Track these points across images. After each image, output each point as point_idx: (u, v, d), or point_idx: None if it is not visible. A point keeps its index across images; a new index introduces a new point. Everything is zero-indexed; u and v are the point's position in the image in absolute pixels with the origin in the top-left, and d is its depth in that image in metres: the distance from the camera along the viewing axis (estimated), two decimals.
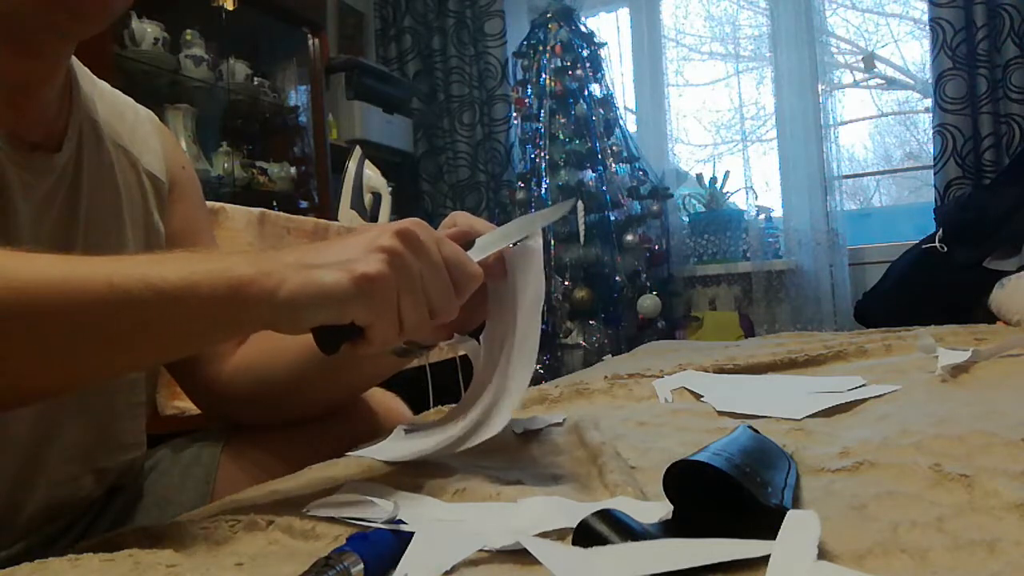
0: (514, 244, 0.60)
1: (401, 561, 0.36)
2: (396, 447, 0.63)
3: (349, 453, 0.64)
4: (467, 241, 0.58)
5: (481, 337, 0.67)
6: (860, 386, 0.78)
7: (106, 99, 0.70)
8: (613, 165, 2.95)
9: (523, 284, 0.60)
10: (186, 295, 0.45)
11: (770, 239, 3.14)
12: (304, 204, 2.79)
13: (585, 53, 3.01)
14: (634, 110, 3.39)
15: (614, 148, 2.98)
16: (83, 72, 0.67)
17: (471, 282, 0.54)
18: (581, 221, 2.83)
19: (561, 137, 2.94)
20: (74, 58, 0.65)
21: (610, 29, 3.50)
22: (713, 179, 3.21)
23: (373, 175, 2.19)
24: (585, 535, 0.35)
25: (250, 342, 0.75)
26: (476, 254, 0.57)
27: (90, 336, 0.45)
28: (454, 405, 0.72)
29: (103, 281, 0.43)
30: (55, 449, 0.61)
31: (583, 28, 3.09)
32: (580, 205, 2.83)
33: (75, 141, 0.62)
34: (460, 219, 0.65)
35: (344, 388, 0.76)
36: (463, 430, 0.59)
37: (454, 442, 0.58)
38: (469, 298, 0.62)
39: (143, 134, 0.72)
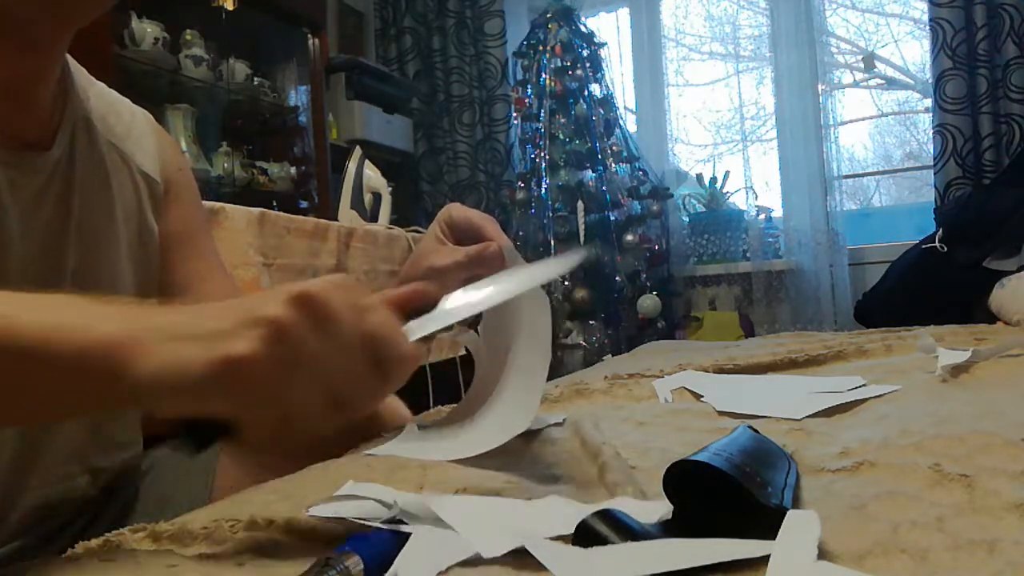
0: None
1: (395, 561, 0.36)
2: (412, 447, 0.63)
3: (369, 452, 0.64)
4: (426, 302, 0.47)
5: (479, 328, 0.65)
6: (860, 386, 0.77)
7: (102, 98, 0.69)
8: (613, 165, 2.96)
9: (526, 270, 0.54)
10: (37, 351, 0.37)
11: (770, 239, 3.14)
12: (304, 204, 2.79)
13: (585, 53, 3.02)
14: (634, 110, 3.39)
15: (614, 148, 2.98)
16: (79, 71, 0.67)
17: (400, 366, 0.41)
18: (581, 221, 2.83)
19: (561, 137, 2.94)
20: (70, 57, 0.64)
21: (610, 29, 3.51)
22: (713, 179, 3.21)
23: (373, 175, 2.19)
24: (585, 535, 0.35)
25: None
26: (430, 324, 0.46)
27: None
28: (455, 405, 0.72)
29: None
30: (48, 448, 0.61)
31: (583, 28, 3.09)
32: (580, 205, 2.83)
33: (68, 139, 0.62)
34: (455, 211, 0.64)
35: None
36: (481, 431, 0.57)
37: (474, 444, 0.55)
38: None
39: (138, 134, 0.72)
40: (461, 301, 0.48)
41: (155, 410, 0.38)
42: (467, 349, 0.68)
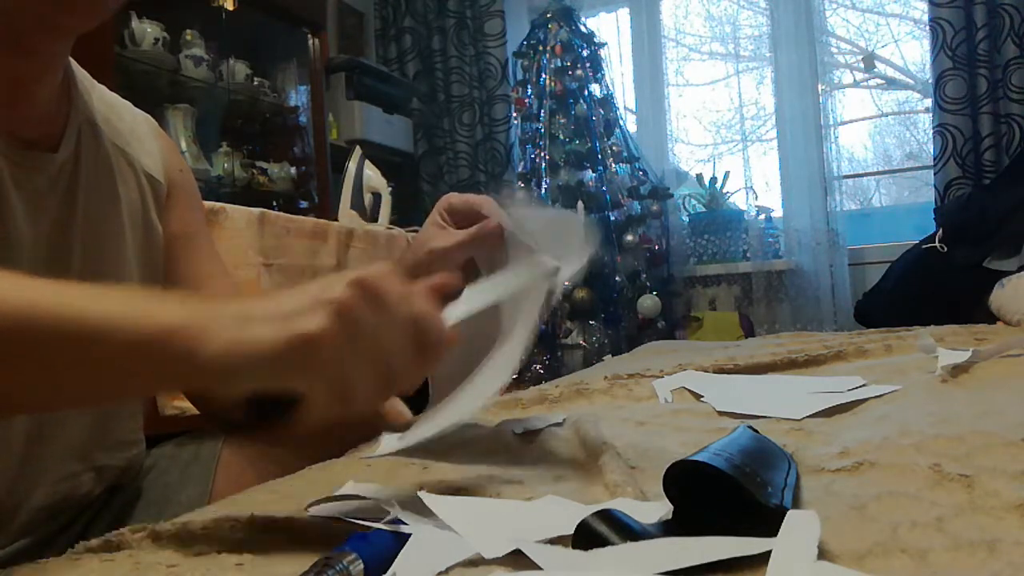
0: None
1: (395, 561, 0.36)
2: (396, 442, 0.63)
3: (365, 457, 0.64)
4: (453, 291, 0.50)
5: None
6: (860, 386, 0.78)
7: (105, 101, 0.70)
8: (613, 165, 2.95)
9: (548, 249, 0.56)
10: (103, 336, 0.38)
11: (770, 239, 3.13)
12: (304, 204, 2.79)
13: (585, 53, 3.02)
14: (634, 110, 3.39)
15: (614, 148, 2.98)
16: (82, 74, 0.67)
17: (439, 346, 0.44)
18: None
19: (561, 137, 2.94)
20: (73, 60, 0.65)
21: (610, 29, 3.51)
22: (713, 179, 3.21)
23: (373, 175, 2.19)
24: (585, 535, 0.35)
25: None
26: (459, 310, 0.49)
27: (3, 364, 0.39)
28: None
29: (25, 306, 0.38)
30: (54, 447, 0.61)
31: (583, 28, 3.09)
32: (580, 205, 2.83)
33: (73, 141, 0.62)
34: (453, 198, 0.66)
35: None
36: (460, 402, 0.57)
37: (450, 415, 0.55)
38: (463, 278, 0.58)
39: (141, 136, 0.72)
40: (486, 289, 0.52)
41: (224, 388, 0.41)
42: None
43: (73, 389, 0.42)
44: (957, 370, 0.80)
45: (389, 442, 0.64)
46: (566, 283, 0.57)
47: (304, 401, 0.41)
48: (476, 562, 0.37)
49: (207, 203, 1.23)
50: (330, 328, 0.39)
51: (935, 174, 2.74)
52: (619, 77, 3.36)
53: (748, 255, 3.13)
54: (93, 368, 0.40)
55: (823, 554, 0.33)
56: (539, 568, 0.34)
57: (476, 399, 0.55)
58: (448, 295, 0.49)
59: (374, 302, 0.41)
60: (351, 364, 0.40)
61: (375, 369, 0.42)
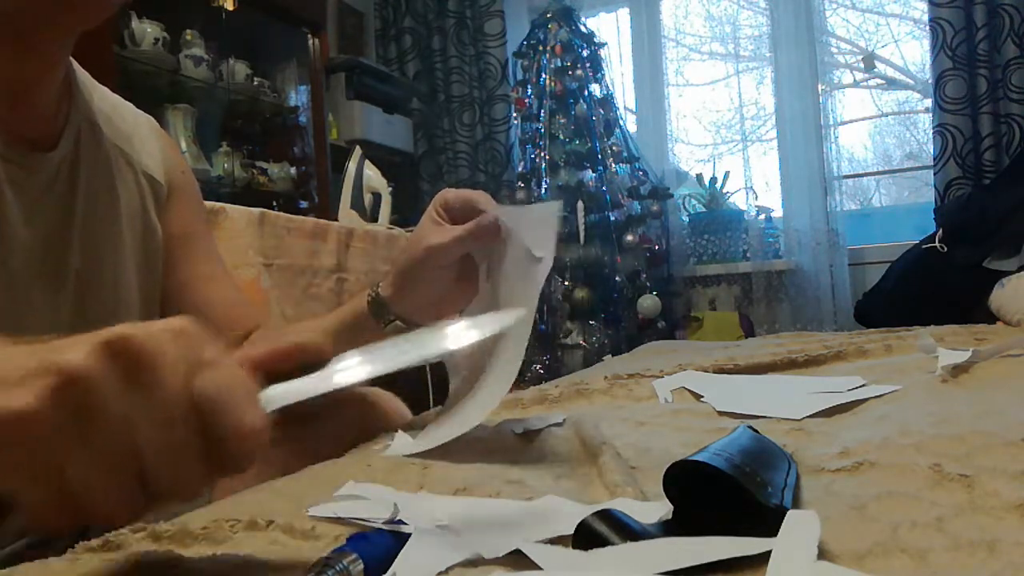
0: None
1: (395, 561, 0.36)
2: (410, 444, 0.63)
3: (376, 452, 0.64)
4: (314, 359, 0.40)
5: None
6: (860, 386, 0.77)
7: (106, 101, 0.70)
8: (613, 165, 2.95)
9: (531, 241, 0.56)
10: None
11: (770, 239, 3.13)
12: (304, 204, 2.79)
13: (585, 53, 3.02)
14: (634, 110, 3.39)
15: (614, 148, 2.98)
16: (83, 74, 0.67)
17: (239, 443, 0.32)
18: (581, 221, 2.83)
19: (561, 137, 2.94)
20: (74, 60, 0.65)
21: (610, 29, 3.51)
22: (713, 179, 3.21)
23: (373, 175, 2.19)
24: (585, 535, 0.35)
25: (247, 343, 0.75)
26: (291, 389, 0.36)
27: None
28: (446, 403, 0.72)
29: None
30: None
31: (583, 28, 3.09)
32: (580, 205, 2.83)
33: (72, 140, 0.62)
34: (449, 194, 0.64)
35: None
36: (476, 404, 0.58)
37: (470, 417, 0.57)
38: (460, 274, 0.58)
39: (142, 136, 0.72)
40: (353, 364, 0.40)
41: None
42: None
43: None
44: (957, 370, 0.80)
45: (402, 441, 0.64)
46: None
47: (13, 505, 0.30)
48: (476, 562, 0.37)
49: (207, 203, 1.23)
50: (42, 405, 0.29)
51: (935, 174, 2.74)
52: (619, 77, 3.37)
53: (748, 255, 3.13)
54: None
55: (823, 554, 0.33)
56: (539, 568, 0.34)
57: (489, 402, 0.56)
58: (304, 365, 0.38)
59: (128, 373, 0.30)
60: (77, 460, 0.29)
61: (121, 466, 0.30)
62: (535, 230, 0.59)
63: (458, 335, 0.43)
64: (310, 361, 0.39)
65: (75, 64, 0.65)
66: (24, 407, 0.28)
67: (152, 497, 0.31)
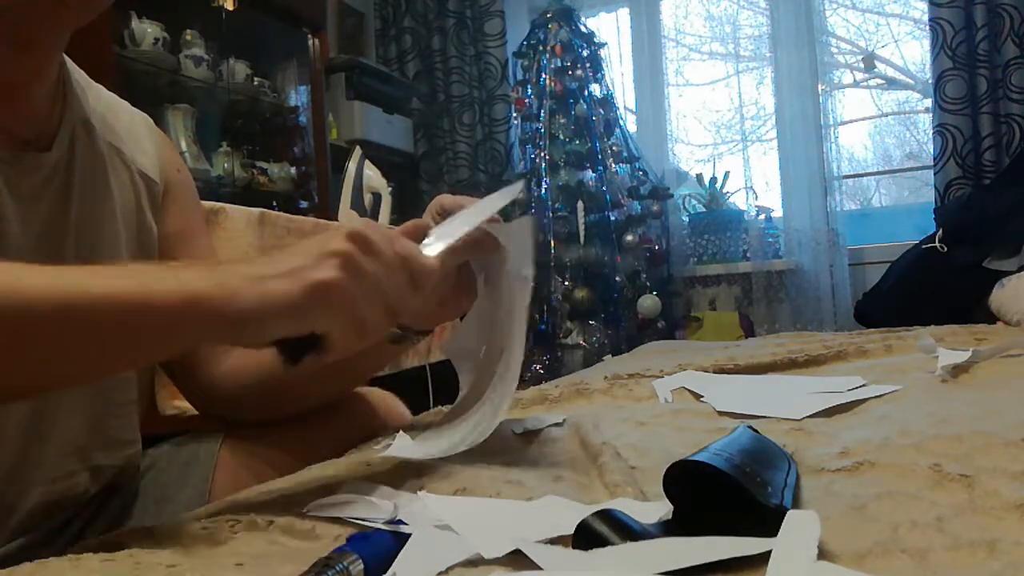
0: (471, 229, 0.60)
1: (395, 563, 0.36)
2: (411, 447, 0.63)
3: (375, 451, 0.64)
4: (420, 234, 0.58)
5: (453, 335, 0.69)
6: (860, 386, 0.78)
7: (102, 100, 0.70)
8: (613, 165, 2.95)
9: (515, 258, 0.61)
10: (142, 308, 0.44)
11: (770, 239, 3.13)
12: (304, 204, 2.79)
13: (585, 53, 3.01)
14: (634, 110, 3.39)
15: (614, 148, 2.98)
16: (78, 73, 0.67)
17: (427, 276, 0.54)
18: (581, 221, 2.83)
19: (561, 137, 2.94)
20: (69, 60, 0.65)
21: (610, 29, 3.51)
22: (713, 179, 3.21)
23: (373, 175, 2.19)
24: (585, 535, 0.35)
25: None
26: (432, 246, 0.57)
27: (43, 346, 0.43)
28: (452, 405, 0.72)
29: (60, 291, 0.42)
30: (49, 445, 0.61)
31: (583, 28, 3.09)
32: (580, 205, 2.83)
33: (67, 140, 0.62)
34: (446, 200, 0.67)
35: (340, 382, 0.77)
36: (476, 423, 0.59)
37: (470, 436, 0.58)
38: (458, 282, 0.64)
39: (137, 136, 0.72)
40: (449, 226, 0.60)
41: (255, 338, 0.47)
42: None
43: (121, 356, 0.48)
44: (957, 370, 0.80)
45: (403, 442, 0.64)
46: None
47: (326, 339, 0.48)
48: (476, 562, 0.37)
49: (207, 203, 1.23)
50: (339, 274, 0.47)
51: (935, 174, 2.73)
52: (619, 77, 3.36)
53: (748, 255, 3.13)
54: (136, 336, 0.45)
55: (823, 554, 0.33)
56: (539, 568, 0.34)
57: (491, 418, 0.57)
58: (419, 237, 0.58)
59: (368, 249, 0.49)
60: (360, 303, 0.48)
61: (380, 303, 0.49)
62: (516, 246, 0.62)
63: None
64: (423, 234, 0.59)
65: (70, 63, 0.65)
66: (330, 277, 0.47)
67: (394, 318, 0.51)
